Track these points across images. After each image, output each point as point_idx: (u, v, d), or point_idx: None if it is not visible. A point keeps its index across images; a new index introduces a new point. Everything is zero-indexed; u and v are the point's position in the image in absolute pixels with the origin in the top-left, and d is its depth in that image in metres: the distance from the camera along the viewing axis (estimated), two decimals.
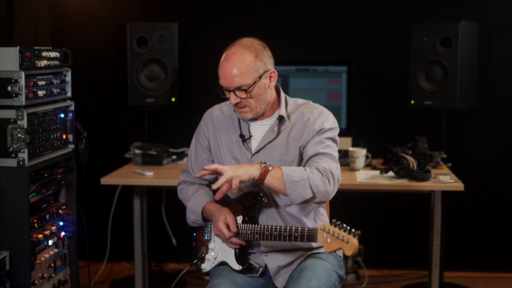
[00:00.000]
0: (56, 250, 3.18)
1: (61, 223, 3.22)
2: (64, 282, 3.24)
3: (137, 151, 4.08)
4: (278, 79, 2.70)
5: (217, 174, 2.51)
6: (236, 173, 2.43)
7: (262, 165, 2.47)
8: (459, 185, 3.59)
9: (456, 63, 4.06)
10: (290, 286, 2.54)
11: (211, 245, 2.69)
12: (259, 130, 2.69)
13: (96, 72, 4.66)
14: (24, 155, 2.84)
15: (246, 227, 2.55)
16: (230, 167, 2.47)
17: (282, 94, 2.71)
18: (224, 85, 2.57)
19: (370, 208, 4.59)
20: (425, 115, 4.46)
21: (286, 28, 4.57)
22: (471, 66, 4.21)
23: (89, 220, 3.47)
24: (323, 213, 2.76)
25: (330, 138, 2.62)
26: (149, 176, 3.80)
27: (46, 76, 3.05)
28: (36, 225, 2.99)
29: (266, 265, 2.65)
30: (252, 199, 2.58)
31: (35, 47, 2.98)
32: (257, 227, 2.53)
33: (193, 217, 2.71)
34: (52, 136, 3.10)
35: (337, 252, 2.70)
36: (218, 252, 2.67)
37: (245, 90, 2.54)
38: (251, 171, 2.45)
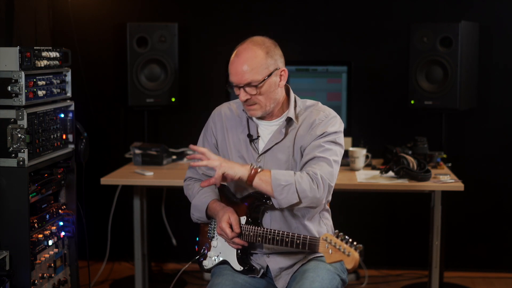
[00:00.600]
0: (56, 250, 3.18)
1: (61, 223, 3.22)
2: (64, 282, 3.24)
3: (137, 151, 4.07)
4: None
5: (205, 160, 2.48)
6: (222, 164, 2.45)
7: (253, 166, 2.47)
8: (459, 185, 3.59)
9: (456, 63, 4.06)
10: (292, 287, 2.53)
11: (214, 243, 2.69)
12: (267, 131, 2.67)
13: (96, 72, 4.66)
14: (24, 155, 2.84)
15: (249, 228, 2.54)
16: (218, 157, 2.49)
17: (292, 95, 2.70)
18: (234, 81, 2.55)
19: (370, 208, 4.58)
20: (425, 115, 4.45)
21: (286, 28, 4.57)
22: (471, 66, 4.21)
23: (89, 220, 3.46)
24: (328, 217, 2.74)
25: (332, 142, 2.59)
26: (149, 176, 3.80)
27: (46, 76, 3.04)
28: (36, 225, 2.98)
29: (267, 266, 2.65)
30: (256, 201, 2.58)
31: (35, 47, 2.97)
32: (260, 230, 2.51)
33: (197, 214, 2.72)
34: (52, 136, 3.09)
35: None
36: (220, 250, 2.67)
37: (255, 86, 2.52)
38: (239, 169, 2.46)
